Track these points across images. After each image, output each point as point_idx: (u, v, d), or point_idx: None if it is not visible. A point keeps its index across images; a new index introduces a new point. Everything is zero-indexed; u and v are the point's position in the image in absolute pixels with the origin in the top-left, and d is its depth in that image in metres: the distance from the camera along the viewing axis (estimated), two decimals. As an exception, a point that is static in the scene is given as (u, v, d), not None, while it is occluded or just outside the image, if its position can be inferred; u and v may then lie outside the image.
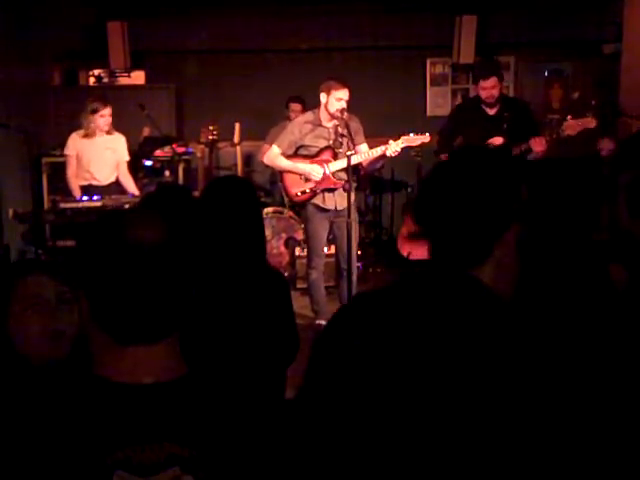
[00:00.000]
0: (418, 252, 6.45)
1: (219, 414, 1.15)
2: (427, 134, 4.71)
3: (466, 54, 7.17)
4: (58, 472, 1.07)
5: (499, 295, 1.31)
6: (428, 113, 7.62)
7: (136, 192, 5.35)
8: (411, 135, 4.66)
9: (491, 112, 4.91)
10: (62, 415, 1.10)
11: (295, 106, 6.30)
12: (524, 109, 5.09)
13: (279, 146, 4.71)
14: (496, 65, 5.11)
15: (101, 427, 1.10)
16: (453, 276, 1.28)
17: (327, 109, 4.55)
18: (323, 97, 4.55)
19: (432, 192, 1.33)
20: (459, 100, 7.61)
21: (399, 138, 4.60)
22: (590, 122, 4.62)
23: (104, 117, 5.23)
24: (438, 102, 7.63)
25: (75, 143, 5.33)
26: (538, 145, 4.61)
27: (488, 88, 4.80)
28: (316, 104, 4.71)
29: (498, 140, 4.80)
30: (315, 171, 4.63)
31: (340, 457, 1.30)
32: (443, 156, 5.06)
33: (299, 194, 4.74)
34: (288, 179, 4.79)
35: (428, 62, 7.59)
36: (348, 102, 4.50)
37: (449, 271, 1.29)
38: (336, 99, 4.47)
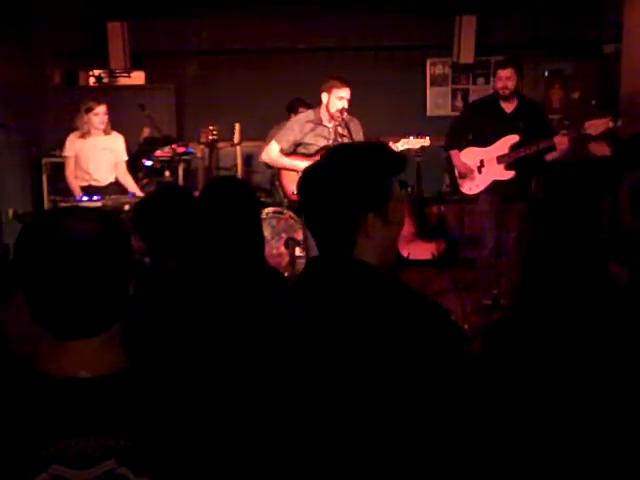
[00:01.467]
0: (417, 252, 6.46)
1: (155, 408, 1.15)
2: (427, 137, 4.70)
3: (466, 54, 7.17)
4: None
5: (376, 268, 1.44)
6: (428, 113, 7.62)
7: (137, 191, 5.35)
8: (411, 138, 4.65)
9: (508, 110, 4.86)
10: None
11: (303, 110, 6.29)
12: (539, 111, 5.05)
13: (279, 142, 4.70)
14: (518, 60, 5.08)
15: (36, 421, 1.10)
16: (328, 259, 1.45)
17: (328, 108, 4.54)
18: (324, 97, 4.55)
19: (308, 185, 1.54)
20: (459, 100, 7.62)
21: (399, 140, 4.59)
22: (609, 122, 4.60)
23: (98, 115, 5.22)
24: (438, 102, 7.63)
25: (73, 144, 5.33)
26: (563, 143, 4.56)
27: (503, 78, 4.76)
28: (316, 104, 4.71)
29: (514, 138, 4.76)
30: None
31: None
32: (453, 152, 5.03)
33: (295, 192, 4.73)
34: (286, 177, 4.78)
35: (428, 62, 7.59)
36: (349, 101, 4.49)
37: (326, 254, 1.46)
38: (338, 98, 4.47)
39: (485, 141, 4.90)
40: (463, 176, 5.01)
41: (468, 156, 4.98)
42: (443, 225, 6.61)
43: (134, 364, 1.21)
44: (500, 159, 4.81)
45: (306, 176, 1.54)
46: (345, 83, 4.50)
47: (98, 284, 1.16)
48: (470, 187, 5.00)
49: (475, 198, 5.06)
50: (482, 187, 4.93)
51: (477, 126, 4.99)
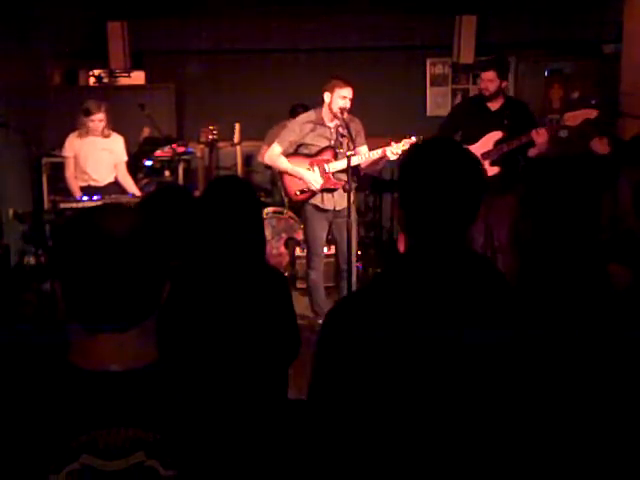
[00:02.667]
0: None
1: (185, 401, 1.17)
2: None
3: (466, 54, 7.16)
4: (24, 455, 1.09)
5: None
6: (428, 113, 7.61)
7: (136, 192, 5.35)
8: (413, 138, 4.65)
9: (493, 108, 4.93)
10: (29, 397, 1.13)
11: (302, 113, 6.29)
12: (524, 109, 5.11)
13: (280, 144, 4.70)
14: (498, 60, 5.13)
15: (68, 412, 1.12)
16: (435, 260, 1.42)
17: (331, 108, 4.54)
18: (327, 96, 4.55)
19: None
20: (459, 100, 7.62)
21: (401, 140, 4.59)
22: (590, 113, 4.63)
23: (94, 122, 5.24)
24: (438, 102, 7.62)
25: (72, 144, 5.34)
26: (540, 136, 4.61)
27: (485, 80, 4.86)
28: (316, 104, 4.71)
29: (498, 134, 4.82)
30: (314, 181, 4.63)
31: (345, 451, 1.32)
32: None
33: (298, 193, 4.73)
34: (287, 178, 4.78)
35: (428, 62, 7.58)
36: (352, 102, 4.50)
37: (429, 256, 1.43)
38: (340, 97, 4.47)
39: (471, 139, 4.94)
40: None
41: None
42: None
43: (162, 358, 1.23)
44: (485, 155, 4.86)
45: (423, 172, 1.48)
46: (347, 82, 4.51)
47: (134, 280, 1.17)
48: None
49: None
50: None
51: (464, 125, 5.05)
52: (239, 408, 1.23)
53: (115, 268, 1.15)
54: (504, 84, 4.95)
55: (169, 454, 1.12)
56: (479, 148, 4.88)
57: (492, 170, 4.86)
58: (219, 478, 1.16)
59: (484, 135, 4.88)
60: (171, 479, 1.11)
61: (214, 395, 1.22)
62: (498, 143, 4.82)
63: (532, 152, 4.76)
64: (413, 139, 4.65)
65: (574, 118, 4.64)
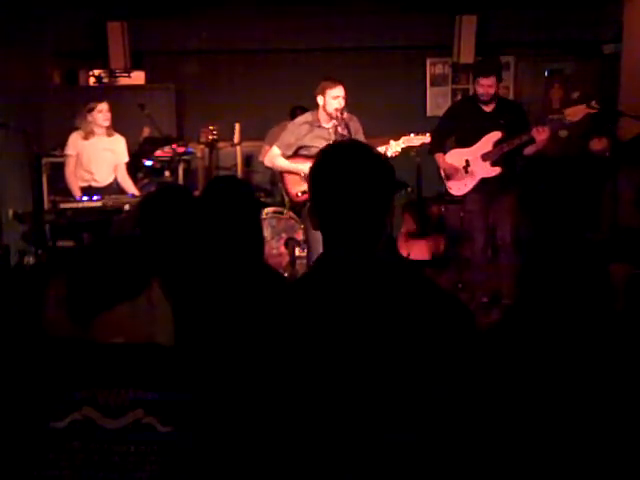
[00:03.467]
0: (417, 252, 6.46)
1: (184, 368, 1.29)
2: (427, 134, 4.73)
3: (466, 54, 7.16)
4: (29, 401, 1.20)
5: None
6: (428, 113, 7.61)
7: (136, 192, 5.35)
8: (412, 135, 4.66)
9: (488, 109, 4.91)
10: (35, 353, 1.29)
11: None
12: (518, 109, 5.11)
13: (279, 147, 4.72)
14: (497, 64, 5.12)
15: (73, 369, 1.23)
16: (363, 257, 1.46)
17: (325, 110, 4.55)
18: (320, 99, 4.55)
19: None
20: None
21: (399, 138, 4.60)
22: (591, 108, 4.61)
23: (102, 112, 5.23)
24: (438, 102, 7.62)
25: (76, 143, 5.34)
26: (541, 133, 4.58)
27: (485, 86, 4.81)
28: (316, 104, 4.71)
29: (497, 135, 4.80)
30: None
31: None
32: (437, 155, 5.06)
33: (299, 194, 4.74)
34: (288, 179, 4.79)
35: (428, 62, 7.59)
36: (346, 99, 4.49)
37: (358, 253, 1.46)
38: (332, 98, 4.47)
39: (467, 141, 4.94)
40: (450, 178, 5.05)
41: (453, 157, 5.01)
42: (443, 225, 6.61)
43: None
44: (485, 156, 4.85)
45: (328, 175, 1.50)
46: (336, 82, 4.50)
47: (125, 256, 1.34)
48: (459, 188, 5.04)
49: (463, 199, 5.10)
50: (471, 186, 4.97)
51: (458, 127, 5.03)
52: (235, 387, 1.30)
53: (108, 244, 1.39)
54: (498, 87, 4.94)
55: (167, 411, 1.20)
56: (478, 149, 4.88)
57: (493, 170, 4.85)
58: (215, 434, 1.23)
59: (480, 137, 4.86)
60: (168, 435, 1.18)
61: (211, 367, 1.32)
62: (497, 143, 4.81)
63: (530, 150, 4.74)
64: (412, 136, 4.66)
65: (574, 113, 4.63)
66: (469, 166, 4.94)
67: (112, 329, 1.30)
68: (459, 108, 5.26)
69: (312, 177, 1.53)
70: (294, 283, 1.63)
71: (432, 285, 1.46)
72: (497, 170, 4.84)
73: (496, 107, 4.89)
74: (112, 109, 5.38)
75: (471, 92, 7.55)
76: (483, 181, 4.91)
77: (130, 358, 1.26)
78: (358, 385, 1.34)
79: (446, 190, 5.20)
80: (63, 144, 5.45)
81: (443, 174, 5.10)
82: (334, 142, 4.58)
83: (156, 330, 1.33)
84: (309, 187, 1.55)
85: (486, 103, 4.88)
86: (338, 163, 1.49)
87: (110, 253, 1.33)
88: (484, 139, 4.85)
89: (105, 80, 7.10)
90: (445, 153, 5.05)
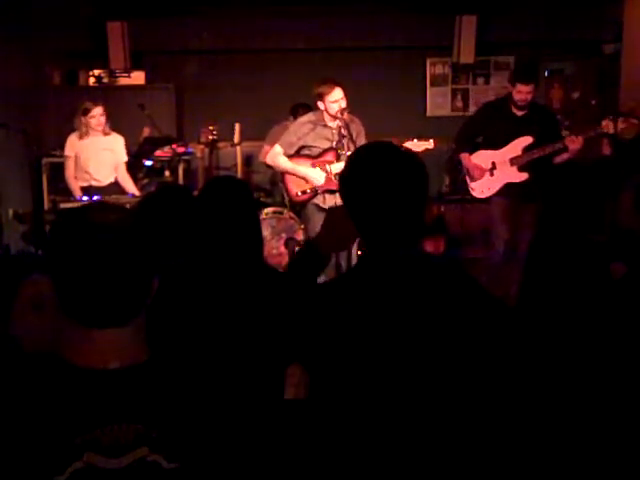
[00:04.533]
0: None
1: (185, 396, 1.19)
2: (431, 140, 4.64)
3: (466, 54, 7.16)
4: (27, 455, 1.09)
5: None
6: (428, 113, 7.62)
7: (136, 192, 5.35)
8: (415, 141, 4.61)
9: (519, 113, 4.78)
10: (29, 399, 1.13)
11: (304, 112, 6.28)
12: (551, 116, 4.99)
13: (281, 145, 4.70)
14: (535, 69, 4.98)
15: (68, 410, 1.12)
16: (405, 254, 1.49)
17: (329, 113, 4.53)
18: (320, 105, 4.52)
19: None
20: (459, 100, 7.62)
21: (402, 143, 4.56)
22: (626, 121, 4.55)
23: (95, 118, 5.22)
24: (438, 102, 7.63)
25: (73, 144, 5.33)
26: (575, 143, 4.48)
27: (524, 92, 4.66)
28: (316, 104, 4.70)
29: (527, 140, 4.69)
30: (317, 176, 4.62)
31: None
32: (463, 155, 4.96)
33: (300, 194, 4.73)
34: (289, 179, 4.78)
35: (428, 62, 7.58)
36: (347, 100, 4.46)
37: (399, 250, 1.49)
38: (332, 102, 4.43)
39: (496, 143, 4.82)
40: (474, 179, 4.93)
41: (479, 159, 4.90)
42: (443, 225, 6.61)
43: (156, 355, 1.24)
44: (513, 161, 4.74)
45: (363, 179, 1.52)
46: (333, 85, 4.43)
47: (127, 273, 1.19)
48: (482, 190, 4.91)
49: (482, 199, 4.99)
50: (494, 190, 4.85)
51: (488, 129, 4.91)
52: (237, 405, 1.24)
53: (111, 261, 1.17)
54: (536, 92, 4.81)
55: (172, 448, 1.13)
56: (507, 153, 4.78)
57: (520, 176, 4.75)
58: (220, 470, 1.17)
59: (510, 140, 4.74)
60: (174, 472, 1.12)
61: (211, 389, 1.23)
62: (527, 149, 4.69)
63: (561, 158, 4.62)
64: (415, 142, 4.63)
65: (629, 131, 4.55)
66: (495, 169, 4.83)
67: (110, 351, 1.19)
68: (490, 109, 5.08)
69: (347, 181, 1.54)
70: (335, 281, 1.64)
71: (473, 281, 1.51)
72: (524, 176, 4.74)
73: (529, 112, 4.76)
74: (112, 109, 5.38)
75: (471, 94, 7.61)
76: (508, 186, 4.79)
77: (130, 385, 1.16)
78: (408, 378, 1.38)
79: (454, 187, 5.10)
80: (63, 144, 5.45)
81: (467, 175, 5.00)
82: (336, 142, 4.59)
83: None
84: (342, 192, 1.55)
85: (521, 108, 4.75)
86: (372, 165, 1.50)
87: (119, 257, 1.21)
88: (514, 143, 4.74)
89: (105, 80, 7.10)
90: (471, 153, 4.94)
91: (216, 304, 2.22)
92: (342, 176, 1.59)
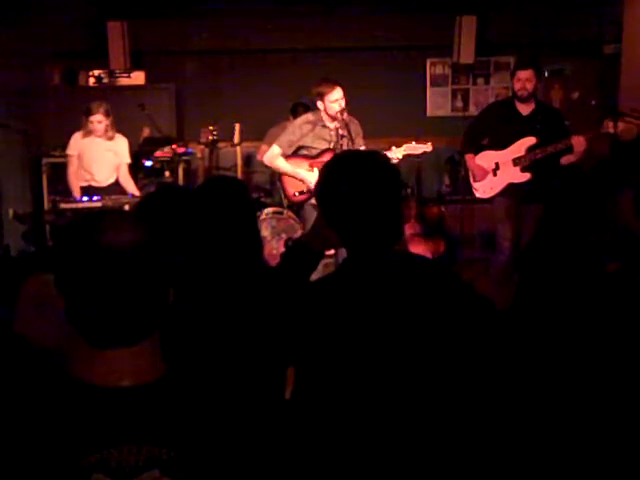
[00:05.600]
0: (417, 251, 6.46)
1: (197, 415, 1.14)
2: (429, 143, 4.63)
3: (466, 54, 7.16)
4: (31, 475, 1.05)
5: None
6: (428, 113, 7.61)
7: (136, 192, 5.35)
8: (413, 143, 4.61)
9: (525, 112, 4.75)
10: (37, 417, 1.09)
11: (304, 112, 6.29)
12: (557, 116, 4.94)
13: (279, 146, 4.70)
14: (536, 60, 4.96)
15: (77, 430, 1.08)
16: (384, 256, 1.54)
17: (328, 113, 4.52)
18: (320, 104, 4.52)
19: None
20: (459, 100, 7.62)
21: (401, 145, 4.56)
22: (629, 122, 4.54)
23: (92, 123, 5.22)
24: (438, 102, 7.62)
25: (77, 143, 5.33)
26: (581, 145, 4.47)
27: (523, 79, 4.63)
28: (316, 104, 4.70)
29: (531, 140, 4.68)
30: (315, 179, 4.61)
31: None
32: (468, 156, 4.95)
33: (297, 194, 4.73)
34: (286, 179, 4.78)
35: (428, 62, 7.58)
36: (346, 100, 4.46)
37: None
38: (332, 102, 4.43)
39: (501, 144, 4.81)
40: (477, 180, 4.92)
41: (483, 159, 4.89)
42: (443, 225, 6.61)
43: (171, 371, 1.19)
44: (516, 161, 4.72)
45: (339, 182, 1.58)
46: (333, 85, 4.43)
47: (139, 292, 1.14)
48: (485, 190, 4.90)
49: (480, 199, 4.99)
50: (497, 190, 4.84)
51: (493, 129, 4.90)
52: (243, 413, 1.21)
53: (121, 280, 1.12)
54: (538, 85, 4.78)
55: (184, 471, 1.08)
56: (510, 153, 4.76)
57: (523, 177, 4.73)
58: None
59: (515, 140, 4.72)
60: None
61: (224, 407, 1.18)
62: (531, 149, 4.67)
63: (567, 159, 4.60)
64: (414, 144, 4.62)
65: (630, 132, 4.55)
66: (498, 169, 4.82)
67: (122, 369, 1.14)
68: (495, 109, 5.08)
69: (322, 192, 1.60)
70: (318, 283, 1.66)
71: (458, 281, 1.55)
72: (526, 176, 4.72)
73: (533, 111, 4.73)
74: (112, 109, 5.38)
75: (471, 94, 7.61)
76: (511, 186, 4.78)
77: (142, 405, 1.11)
78: (389, 377, 1.41)
79: (454, 187, 5.09)
80: (63, 144, 5.45)
81: (470, 175, 4.98)
82: (335, 143, 4.59)
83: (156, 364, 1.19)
84: (319, 202, 1.61)
85: (524, 101, 4.70)
86: (346, 174, 1.56)
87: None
88: (517, 143, 4.73)
89: (105, 80, 7.09)
90: (477, 154, 4.93)
91: (215, 305, 2.22)
92: (316, 187, 1.64)
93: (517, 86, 4.68)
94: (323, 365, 1.43)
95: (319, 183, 1.63)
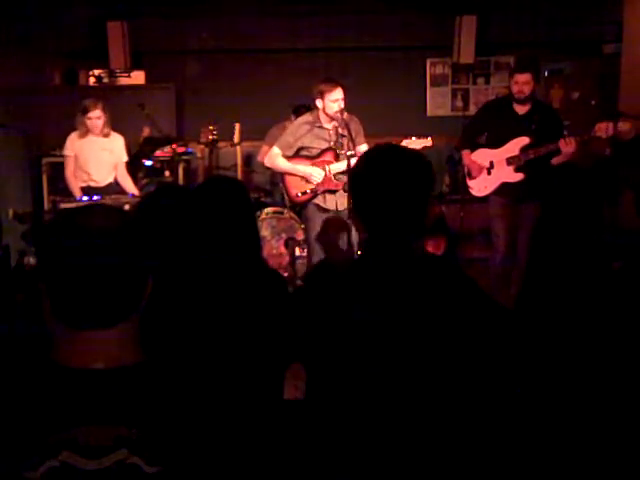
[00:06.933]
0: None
1: (170, 399, 1.16)
2: (429, 138, 4.64)
3: (466, 54, 7.16)
4: (3, 450, 1.07)
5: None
6: (428, 113, 7.62)
7: (136, 192, 5.34)
8: (413, 139, 4.61)
9: (521, 112, 4.76)
10: (9, 395, 1.12)
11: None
12: (553, 114, 4.94)
13: (279, 147, 4.70)
14: (535, 62, 4.96)
15: (48, 408, 1.10)
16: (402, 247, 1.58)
17: (326, 113, 4.53)
18: (319, 102, 4.52)
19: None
20: (459, 100, 7.62)
21: (401, 141, 4.56)
22: (624, 125, 4.54)
23: (91, 120, 5.20)
24: (438, 102, 7.63)
25: (73, 144, 5.33)
26: (568, 146, 4.47)
27: (520, 83, 4.65)
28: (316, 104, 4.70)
29: (524, 140, 4.69)
30: (315, 174, 4.61)
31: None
32: (464, 152, 4.97)
33: (299, 195, 4.73)
34: (289, 180, 4.78)
35: (428, 62, 7.59)
36: (345, 100, 4.46)
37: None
38: (332, 101, 4.43)
39: (496, 142, 4.82)
40: (472, 177, 4.93)
41: (479, 157, 4.90)
42: (443, 225, 6.61)
43: (149, 359, 1.22)
44: (509, 161, 4.73)
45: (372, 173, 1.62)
46: (335, 84, 4.44)
47: (118, 277, 1.18)
48: (479, 189, 4.92)
49: (480, 198, 4.99)
50: (491, 189, 4.86)
51: (489, 127, 4.91)
52: (229, 407, 1.23)
53: (98, 264, 1.16)
54: (536, 87, 4.78)
55: (153, 451, 1.10)
56: (504, 152, 4.77)
57: (516, 176, 4.74)
58: (203, 474, 1.15)
59: (510, 139, 4.73)
60: (155, 476, 1.10)
61: (199, 394, 1.21)
62: (525, 149, 4.68)
63: (557, 160, 4.61)
64: (413, 139, 4.63)
65: (605, 129, 4.54)
66: (492, 168, 4.83)
67: (95, 352, 1.17)
68: (492, 107, 5.08)
69: (356, 177, 1.64)
70: (334, 279, 1.69)
71: (470, 281, 1.57)
72: (519, 176, 4.73)
73: (530, 110, 4.73)
74: (112, 109, 5.37)
75: (471, 94, 7.61)
76: (505, 185, 4.79)
77: (113, 387, 1.14)
78: (402, 376, 1.42)
79: (454, 187, 5.09)
80: (63, 144, 5.45)
81: (466, 172, 5.00)
82: (334, 142, 4.59)
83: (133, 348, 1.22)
84: (350, 187, 1.65)
85: (521, 103, 4.71)
86: (382, 163, 1.59)
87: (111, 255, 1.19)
88: (512, 142, 4.73)
89: (105, 80, 7.10)
90: (472, 151, 4.93)
91: (213, 304, 2.22)
92: (352, 172, 1.67)
93: (515, 89, 4.70)
94: (336, 363, 1.43)
95: (355, 168, 1.67)
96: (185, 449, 1.13)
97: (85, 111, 5.20)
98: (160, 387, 1.18)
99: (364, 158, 1.69)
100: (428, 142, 4.64)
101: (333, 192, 4.68)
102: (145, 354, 1.23)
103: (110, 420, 1.11)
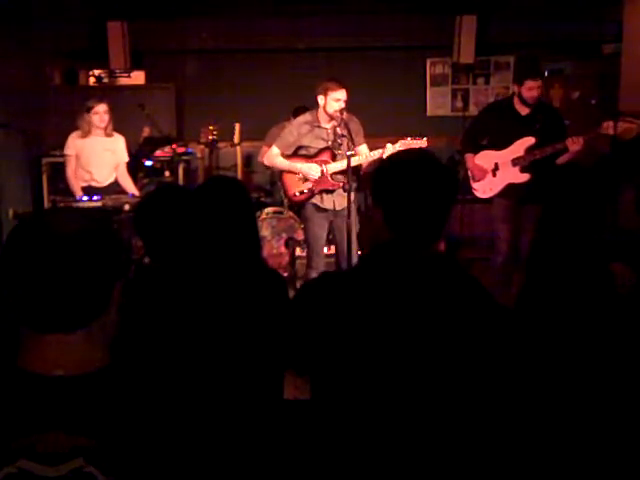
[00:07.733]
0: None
1: (129, 409, 1.16)
2: (425, 138, 4.63)
3: (466, 54, 7.16)
4: None
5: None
6: (428, 113, 7.61)
7: (136, 192, 5.34)
8: (408, 139, 4.61)
9: (524, 112, 4.76)
10: None
11: None
12: (556, 115, 4.94)
13: (278, 146, 4.72)
14: (539, 65, 4.95)
15: (7, 414, 1.10)
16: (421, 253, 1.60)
17: (325, 111, 4.54)
18: (321, 99, 4.54)
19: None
20: (459, 100, 7.61)
21: (397, 142, 4.56)
22: (630, 127, 4.54)
23: (98, 114, 5.20)
24: (438, 102, 7.63)
25: (74, 143, 5.32)
26: (576, 144, 4.47)
27: (535, 88, 4.64)
28: (316, 104, 4.70)
29: (530, 140, 4.69)
30: (313, 169, 4.63)
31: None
32: (467, 155, 4.96)
33: (297, 194, 4.73)
34: (287, 179, 4.78)
35: (428, 62, 7.59)
36: (346, 102, 4.48)
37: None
38: (334, 100, 4.45)
39: (500, 144, 4.81)
40: (476, 180, 4.92)
41: (483, 159, 4.89)
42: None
43: (116, 364, 1.21)
44: (515, 161, 4.73)
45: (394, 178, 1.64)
46: (340, 85, 4.47)
47: (79, 279, 1.16)
48: (484, 191, 4.90)
49: (481, 199, 4.99)
50: (496, 190, 4.85)
51: (492, 129, 4.90)
52: (227, 407, 1.22)
53: (60, 267, 1.15)
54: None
55: (109, 461, 1.10)
56: (510, 154, 4.77)
57: (522, 177, 4.74)
58: None
59: (514, 140, 4.73)
60: None
61: (192, 395, 1.21)
62: (530, 149, 4.68)
63: (562, 159, 4.60)
64: (409, 140, 4.62)
65: (628, 132, 4.54)
66: (498, 170, 4.82)
67: (54, 358, 1.16)
68: (494, 109, 5.08)
69: (379, 183, 1.65)
70: (337, 279, 1.69)
71: (475, 282, 1.59)
72: (525, 177, 4.72)
73: (533, 111, 4.73)
74: (112, 109, 5.38)
75: (471, 94, 7.61)
76: (510, 186, 4.78)
77: (73, 395, 1.13)
78: (407, 376, 1.43)
79: (468, 189, 5.06)
80: (63, 144, 5.45)
81: (470, 175, 4.98)
82: (332, 142, 4.60)
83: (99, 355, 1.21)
84: (373, 190, 1.66)
85: (528, 106, 4.71)
86: (408, 166, 1.62)
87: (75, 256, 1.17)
88: (516, 143, 4.73)
89: (105, 80, 7.10)
90: (475, 154, 4.93)
91: (214, 304, 2.22)
92: (378, 170, 1.68)
93: (527, 94, 4.68)
94: (341, 363, 1.44)
95: (381, 166, 1.70)
96: (137, 460, 1.12)
97: (90, 109, 5.20)
98: (128, 394, 1.17)
99: (397, 163, 1.70)
100: (423, 143, 4.63)
101: (331, 192, 4.69)
102: (132, 354, 1.23)
103: (68, 428, 1.11)
